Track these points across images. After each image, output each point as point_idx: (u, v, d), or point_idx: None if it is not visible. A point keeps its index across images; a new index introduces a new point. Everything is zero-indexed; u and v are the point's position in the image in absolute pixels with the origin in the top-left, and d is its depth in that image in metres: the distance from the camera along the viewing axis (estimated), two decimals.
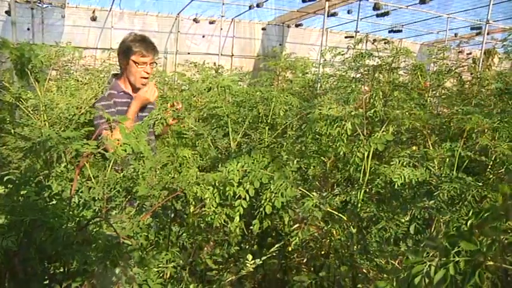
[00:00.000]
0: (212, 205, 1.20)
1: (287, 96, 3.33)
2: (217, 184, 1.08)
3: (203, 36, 12.65)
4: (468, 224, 0.57)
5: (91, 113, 2.31)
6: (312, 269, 2.67)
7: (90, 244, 0.73)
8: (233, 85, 2.89)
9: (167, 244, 1.17)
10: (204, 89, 2.90)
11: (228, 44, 13.21)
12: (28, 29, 10.72)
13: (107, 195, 1.01)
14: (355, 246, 2.24)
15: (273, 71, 5.91)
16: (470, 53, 12.34)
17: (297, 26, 13.39)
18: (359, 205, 2.34)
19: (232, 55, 13.25)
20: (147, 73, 2.82)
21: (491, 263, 0.55)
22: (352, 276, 2.24)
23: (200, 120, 4.17)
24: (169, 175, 0.97)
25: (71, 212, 0.97)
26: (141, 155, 0.92)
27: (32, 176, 1.11)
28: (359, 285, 2.17)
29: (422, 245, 0.68)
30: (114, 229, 0.72)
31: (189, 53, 11.96)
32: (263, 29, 13.50)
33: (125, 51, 2.80)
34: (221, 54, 12.41)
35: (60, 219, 0.85)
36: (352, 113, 1.86)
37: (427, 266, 0.57)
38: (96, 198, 1.06)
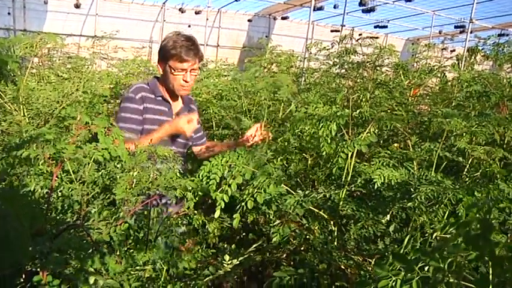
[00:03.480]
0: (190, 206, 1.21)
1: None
2: (194, 190, 1.08)
3: (189, 26, 12.54)
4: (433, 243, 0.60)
5: (73, 108, 2.29)
6: (292, 263, 2.71)
7: (65, 252, 0.74)
8: (215, 80, 2.88)
9: (146, 244, 1.18)
10: None
11: (214, 34, 13.15)
12: (9, 14, 10.49)
13: (85, 196, 1.01)
14: (334, 243, 2.27)
15: (258, 64, 5.90)
16: (453, 50, 12.49)
17: (283, 18, 13.36)
18: (340, 203, 2.37)
19: (218, 46, 13.20)
20: (186, 81, 2.43)
21: (451, 280, 0.57)
22: (330, 273, 2.28)
23: None
24: (147, 178, 0.97)
25: (48, 215, 0.97)
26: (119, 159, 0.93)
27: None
28: (337, 283, 2.21)
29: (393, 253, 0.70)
30: (90, 237, 0.72)
31: None
32: (249, 20, 13.46)
33: (162, 54, 2.45)
34: (207, 45, 12.36)
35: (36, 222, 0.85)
36: (338, 113, 1.88)
37: (392, 281, 0.60)
38: (75, 200, 1.06)
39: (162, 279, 1.12)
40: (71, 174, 1.20)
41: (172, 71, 2.39)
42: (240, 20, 13.49)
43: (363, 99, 2.46)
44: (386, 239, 2.27)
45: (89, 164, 0.92)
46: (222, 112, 3.94)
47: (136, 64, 6.19)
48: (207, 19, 11.88)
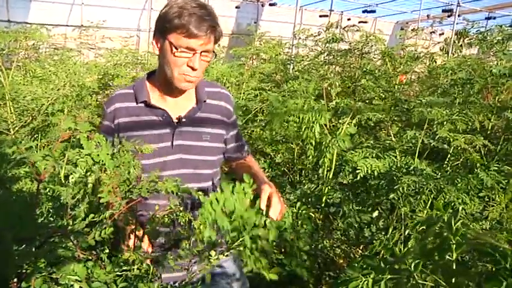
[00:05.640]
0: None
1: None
2: (174, 193, 1.10)
3: None
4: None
5: (63, 103, 2.30)
6: (283, 250, 2.76)
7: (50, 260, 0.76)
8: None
9: (133, 243, 1.21)
10: None
11: None
12: None
13: (70, 200, 1.03)
14: (321, 233, 2.32)
15: (247, 46, 5.87)
16: (442, 33, 12.51)
17: (271, 5, 13.28)
18: (325, 192, 2.41)
19: None
20: (193, 69, 1.55)
21: (420, 281, 0.60)
22: (318, 264, 2.33)
23: None
24: (128, 183, 0.99)
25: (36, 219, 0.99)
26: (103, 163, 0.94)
27: None
28: (326, 273, 2.26)
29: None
30: (73, 243, 0.74)
31: None
32: (237, 7, 13.35)
33: (160, 25, 1.58)
34: None
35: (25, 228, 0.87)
36: (316, 107, 1.91)
37: (362, 282, 0.63)
38: (63, 203, 1.08)
39: (150, 276, 1.15)
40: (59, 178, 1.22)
41: (174, 50, 1.53)
42: (228, 7, 13.38)
43: (333, 88, 2.44)
44: (372, 227, 2.32)
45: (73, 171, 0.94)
46: None
47: (124, 55, 6.13)
48: None
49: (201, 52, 1.54)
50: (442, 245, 0.59)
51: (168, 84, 1.64)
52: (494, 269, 0.55)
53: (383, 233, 2.33)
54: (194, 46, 1.52)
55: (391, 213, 2.29)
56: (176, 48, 1.53)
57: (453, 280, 0.57)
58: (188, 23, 1.50)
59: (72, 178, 0.93)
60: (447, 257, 0.59)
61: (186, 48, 1.53)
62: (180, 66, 1.56)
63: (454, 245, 0.57)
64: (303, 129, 1.88)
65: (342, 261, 2.47)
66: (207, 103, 1.73)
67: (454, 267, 0.58)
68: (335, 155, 1.99)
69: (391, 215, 2.25)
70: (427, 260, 0.59)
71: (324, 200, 2.38)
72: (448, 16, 11.88)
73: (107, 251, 1.05)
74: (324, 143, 1.94)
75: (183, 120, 1.66)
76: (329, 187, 2.39)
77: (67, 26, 10.68)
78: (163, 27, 1.56)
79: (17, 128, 2.17)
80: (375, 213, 2.07)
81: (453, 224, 0.59)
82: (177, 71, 1.57)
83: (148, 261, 1.12)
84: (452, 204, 1.50)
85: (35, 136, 2.12)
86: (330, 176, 2.39)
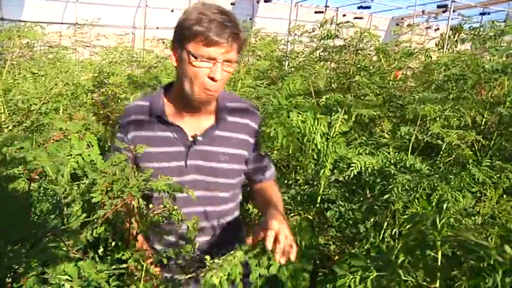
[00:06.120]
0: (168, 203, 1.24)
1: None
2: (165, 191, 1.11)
3: (172, 11, 12.40)
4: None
5: (57, 102, 2.29)
6: None
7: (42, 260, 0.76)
8: None
9: (127, 241, 1.21)
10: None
11: None
12: None
13: (63, 200, 1.03)
14: (316, 229, 2.33)
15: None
16: (438, 29, 12.54)
17: (266, 1, 13.28)
18: (321, 188, 2.42)
19: None
20: (214, 80, 1.41)
21: (407, 277, 0.61)
22: (314, 261, 2.34)
23: None
24: (120, 183, 1.00)
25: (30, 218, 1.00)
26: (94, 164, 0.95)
27: None
28: (321, 269, 2.27)
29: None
30: (63, 243, 0.75)
31: (157, 28, 11.73)
32: (232, 4, 13.34)
33: (178, 34, 1.46)
34: None
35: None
36: (306, 105, 1.91)
37: (349, 279, 0.64)
38: (56, 202, 1.08)
39: (143, 273, 1.15)
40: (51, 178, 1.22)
41: (192, 59, 1.40)
42: (223, 3, 13.36)
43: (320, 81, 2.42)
44: (367, 223, 2.33)
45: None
46: None
47: (119, 52, 6.12)
48: (190, 3, 11.76)
49: (223, 62, 1.41)
50: (423, 242, 0.60)
51: (185, 99, 1.49)
52: (478, 266, 0.56)
53: (377, 228, 2.34)
54: (215, 55, 1.39)
55: (386, 208, 2.30)
56: (195, 57, 1.39)
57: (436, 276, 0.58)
58: (208, 29, 1.37)
59: (63, 178, 0.93)
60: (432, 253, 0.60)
61: (207, 57, 1.39)
62: (199, 77, 1.41)
63: (434, 243, 0.58)
64: (305, 142, 1.85)
65: (337, 257, 2.49)
66: (228, 121, 1.57)
67: (439, 263, 0.59)
68: (331, 159, 1.98)
69: (387, 211, 2.26)
70: (410, 257, 0.60)
71: (318, 199, 2.38)
72: (443, 12, 11.90)
73: (101, 249, 1.06)
74: (322, 151, 1.92)
75: (199, 138, 1.53)
76: (325, 185, 2.40)
77: (62, 23, 10.64)
78: (181, 35, 1.43)
79: (9, 128, 2.17)
80: (371, 220, 2.08)
81: (438, 222, 0.60)
82: (197, 83, 1.43)
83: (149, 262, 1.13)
84: (446, 201, 1.52)
85: (29, 136, 2.12)
86: (327, 174, 2.40)
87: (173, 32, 1.49)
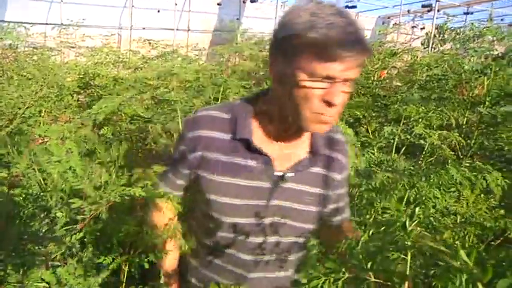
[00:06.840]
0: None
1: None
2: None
3: (158, 11, 12.35)
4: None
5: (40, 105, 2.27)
6: None
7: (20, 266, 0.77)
8: (182, 71, 2.85)
9: (109, 247, 1.22)
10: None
11: (184, 18, 12.99)
12: None
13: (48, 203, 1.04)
14: None
15: (229, 44, 5.88)
16: (423, 28, 12.68)
17: (252, 1, 13.29)
18: None
19: (189, 30, 13.06)
20: (331, 104, 1.06)
21: (377, 280, 0.63)
22: None
23: (155, 103, 4.14)
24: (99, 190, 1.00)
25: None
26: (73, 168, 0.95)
27: None
28: None
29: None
30: (39, 249, 0.75)
31: (144, 28, 11.68)
32: (218, 4, 13.33)
33: (284, 43, 1.09)
34: (177, 29, 12.22)
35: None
36: None
37: (322, 281, 0.66)
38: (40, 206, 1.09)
39: (125, 278, 1.16)
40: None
41: (303, 78, 1.05)
42: (209, 4, 13.36)
43: None
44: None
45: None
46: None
47: (105, 54, 6.08)
48: (176, 4, 11.76)
49: (345, 81, 1.05)
50: (384, 246, 0.62)
51: (284, 124, 1.18)
52: (443, 268, 0.58)
53: (363, 228, 2.37)
54: (335, 73, 1.02)
55: (372, 205, 2.34)
56: (310, 76, 1.04)
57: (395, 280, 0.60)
58: (328, 37, 0.99)
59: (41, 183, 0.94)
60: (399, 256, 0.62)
61: (326, 77, 1.03)
62: (311, 101, 1.07)
63: (396, 246, 0.60)
64: None
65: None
66: (323, 155, 1.28)
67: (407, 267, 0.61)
68: None
69: (371, 209, 2.30)
70: (373, 261, 0.62)
71: None
72: (428, 11, 12.03)
73: (87, 255, 1.06)
74: None
75: (289, 174, 1.22)
76: None
77: (46, 24, 10.53)
78: (287, 44, 1.07)
79: None
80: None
81: (407, 225, 0.62)
82: (307, 108, 1.08)
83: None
84: (424, 199, 1.55)
85: (13, 141, 2.11)
86: None
87: (273, 38, 1.14)
